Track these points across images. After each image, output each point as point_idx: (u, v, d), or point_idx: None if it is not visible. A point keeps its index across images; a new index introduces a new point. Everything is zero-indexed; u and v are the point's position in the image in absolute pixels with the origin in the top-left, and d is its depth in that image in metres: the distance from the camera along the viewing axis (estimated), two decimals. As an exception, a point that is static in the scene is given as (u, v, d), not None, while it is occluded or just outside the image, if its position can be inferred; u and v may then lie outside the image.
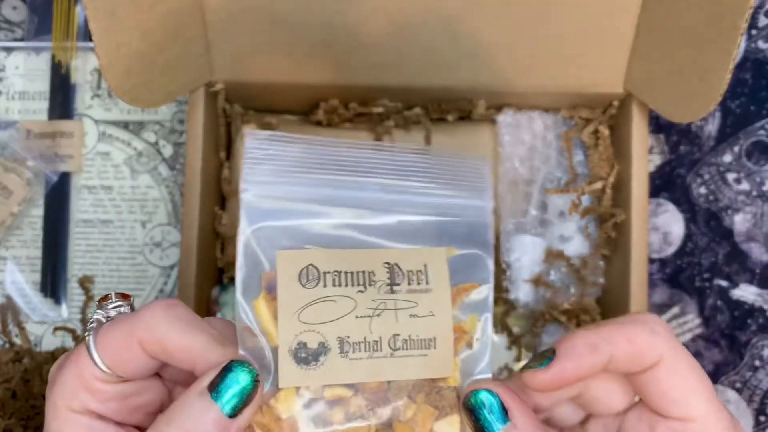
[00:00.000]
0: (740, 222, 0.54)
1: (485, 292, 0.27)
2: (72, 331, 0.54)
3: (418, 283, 0.26)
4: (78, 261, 0.55)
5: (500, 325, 0.52)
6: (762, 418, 0.52)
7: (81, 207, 0.56)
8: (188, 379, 0.26)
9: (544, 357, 0.26)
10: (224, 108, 0.52)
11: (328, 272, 0.25)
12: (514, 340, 0.52)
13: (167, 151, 0.56)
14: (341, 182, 0.26)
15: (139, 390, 0.27)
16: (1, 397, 0.51)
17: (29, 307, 0.55)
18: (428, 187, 0.27)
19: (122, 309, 0.28)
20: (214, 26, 0.47)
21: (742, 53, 0.55)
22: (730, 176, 0.54)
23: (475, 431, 0.26)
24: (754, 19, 0.55)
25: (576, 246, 0.52)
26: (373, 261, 0.26)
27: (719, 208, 0.54)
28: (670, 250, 0.55)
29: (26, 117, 0.57)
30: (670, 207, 0.55)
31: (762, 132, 0.54)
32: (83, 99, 0.57)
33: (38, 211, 0.56)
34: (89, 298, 0.55)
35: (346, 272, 0.25)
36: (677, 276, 0.54)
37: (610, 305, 0.51)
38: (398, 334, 0.25)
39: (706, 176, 0.55)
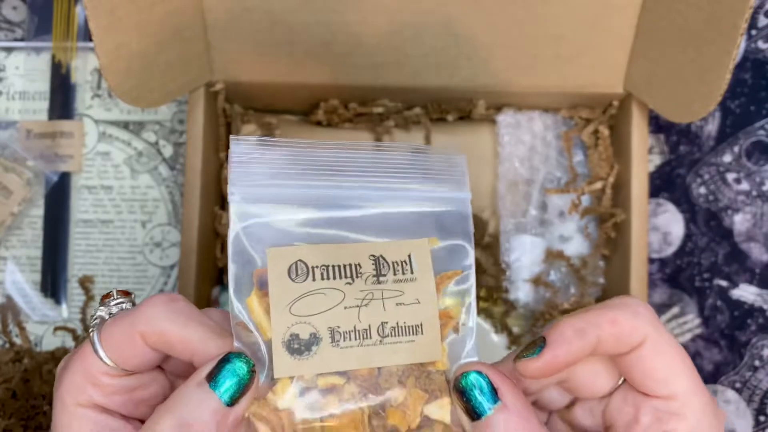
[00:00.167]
0: (740, 222, 0.54)
1: (468, 279, 0.28)
2: (72, 331, 0.54)
3: (403, 273, 0.27)
4: (78, 261, 0.55)
5: (500, 325, 0.52)
6: (762, 418, 0.52)
7: (81, 207, 0.56)
8: (190, 371, 0.26)
9: (535, 345, 0.26)
10: (224, 108, 0.52)
11: (316, 266, 0.27)
12: (514, 340, 0.52)
13: (167, 151, 0.56)
14: (325, 182, 0.28)
15: (143, 383, 0.28)
16: (1, 397, 0.51)
17: (29, 307, 0.55)
18: (409, 183, 0.29)
19: (124, 305, 0.29)
20: (214, 26, 0.47)
21: (741, 53, 0.55)
22: (730, 176, 0.54)
23: (466, 412, 0.26)
24: (754, 19, 0.55)
25: (576, 246, 0.52)
26: (359, 254, 0.27)
27: (719, 208, 0.54)
28: (670, 250, 0.55)
29: (26, 117, 0.57)
30: (670, 207, 0.55)
31: (762, 132, 0.54)
32: (83, 99, 0.57)
33: (38, 211, 0.56)
34: (89, 298, 0.55)
35: (333, 266, 0.27)
36: (677, 276, 0.54)
37: (610, 305, 0.51)
38: (386, 322, 0.27)
39: (706, 176, 0.55)
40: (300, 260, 0.27)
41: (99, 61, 0.41)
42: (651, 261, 0.54)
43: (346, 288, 0.27)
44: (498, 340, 0.52)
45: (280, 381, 0.26)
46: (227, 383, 0.25)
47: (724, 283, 0.53)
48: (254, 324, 0.26)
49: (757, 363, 0.52)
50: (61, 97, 0.56)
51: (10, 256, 0.55)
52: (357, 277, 0.27)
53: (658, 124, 0.55)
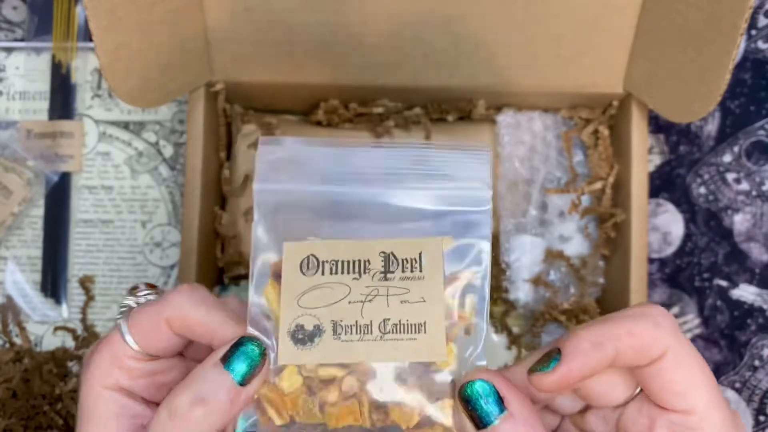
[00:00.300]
0: (740, 222, 0.54)
1: (481, 280, 0.28)
2: (72, 331, 0.54)
3: (412, 271, 0.28)
4: (78, 261, 0.55)
5: (500, 325, 0.52)
6: (762, 418, 0.52)
7: (81, 207, 0.56)
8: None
9: (550, 358, 0.26)
10: (224, 108, 0.52)
11: (327, 261, 0.28)
12: (514, 340, 0.52)
13: (167, 151, 0.56)
14: (345, 179, 0.28)
15: (166, 368, 0.30)
16: (1, 396, 0.51)
17: (29, 306, 0.55)
18: (428, 180, 0.29)
19: (150, 297, 0.31)
20: (214, 26, 0.47)
21: (741, 53, 0.55)
22: (730, 176, 0.54)
23: (472, 420, 0.26)
24: (753, 19, 0.55)
25: (576, 246, 0.52)
26: (371, 250, 0.28)
27: (719, 208, 0.54)
28: (670, 250, 0.55)
29: (26, 117, 0.57)
30: (670, 207, 0.55)
31: (762, 132, 0.54)
32: (83, 99, 0.57)
33: (38, 211, 0.56)
34: (89, 298, 0.55)
35: (343, 261, 0.28)
36: (677, 276, 0.54)
37: (609, 305, 0.51)
38: (388, 319, 0.27)
39: (706, 176, 0.55)
40: (312, 254, 0.28)
41: (99, 61, 0.41)
42: (651, 261, 0.54)
43: (353, 283, 0.28)
44: (498, 340, 0.52)
45: (287, 368, 0.27)
46: (240, 364, 0.27)
47: (724, 283, 0.53)
48: (270, 312, 0.28)
49: (756, 363, 0.52)
50: (62, 97, 0.56)
51: (11, 256, 0.55)
52: (365, 272, 0.28)
53: (658, 124, 0.55)
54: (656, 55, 0.46)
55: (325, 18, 0.46)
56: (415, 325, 0.27)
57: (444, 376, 0.27)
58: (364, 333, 0.27)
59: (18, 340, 0.54)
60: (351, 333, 0.27)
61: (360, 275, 0.28)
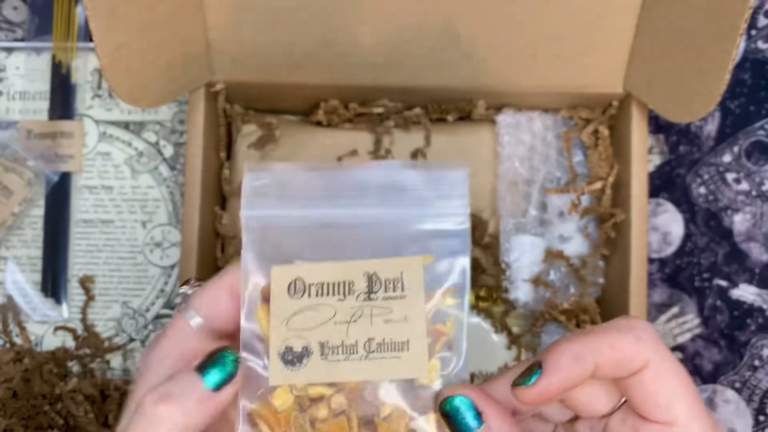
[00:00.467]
0: (740, 222, 0.54)
1: (462, 295, 0.29)
2: (72, 331, 0.54)
3: (394, 290, 0.29)
4: (78, 261, 0.55)
5: (500, 325, 0.52)
6: (761, 418, 0.52)
7: (81, 207, 0.56)
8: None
9: (531, 372, 0.27)
10: (224, 108, 0.52)
11: (313, 284, 0.29)
12: (514, 340, 0.52)
13: (168, 151, 0.56)
14: (328, 202, 0.30)
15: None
16: (1, 396, 0.51)
17: (30, 306, 0.55)
18: (408, 200, 0.30)
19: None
20: (214, 26, 0.47)
21: (741, 53, 0.55)
22: (730, 176, 0.54)
23: None
24: (753, 19, 0.55)
25: (576, 246, 0.52)
26: (354, 272, 0.29)
27: (719, 208, 0.54)
28: (670, 250, 0.55)
29: (27, 117, 0.57)
30: (670, 207, 0.55)
31: (761, 132, 0.54)
32: (84, 99, 0.57)
33: (39, 211, 0.56)
34: (90, 298, 0.55)
35: (328, 283, 0.29)
36: (677, 276, 0.54)
37: (609, 305, 0.51)
38: (373, 338, 0.28)
39: (706, 176, 0.55)
40: (299, 278, 0.29)
41: (99, 61, 0.41)
42: (651, 261, 0.54)
43: (338, 304, 0.28)
44: (498, 340, 0.52)
45: (279, 387, 0.28)
46: (214, 371, 0.28)
47: (723, 283, 0.53)
48: (261, 335, 0.29)
49: (756, 363, 0.52)
50: (62, 98, 0.56)
51: (11, 256, 0.55)
52: (349, 294, 0.29)
53: (657, 124, 0.55)
54: (656, 55, 0.46)
55: (325, 18, 0.46)
56: (398, 343, 0.28)
57: (429, 392, 0.28)
58: (350, 353, 0.28)
59: (18, 340, 0.54)
60: (337, 353, 0.28)
61: (345, 296, 0.29)
